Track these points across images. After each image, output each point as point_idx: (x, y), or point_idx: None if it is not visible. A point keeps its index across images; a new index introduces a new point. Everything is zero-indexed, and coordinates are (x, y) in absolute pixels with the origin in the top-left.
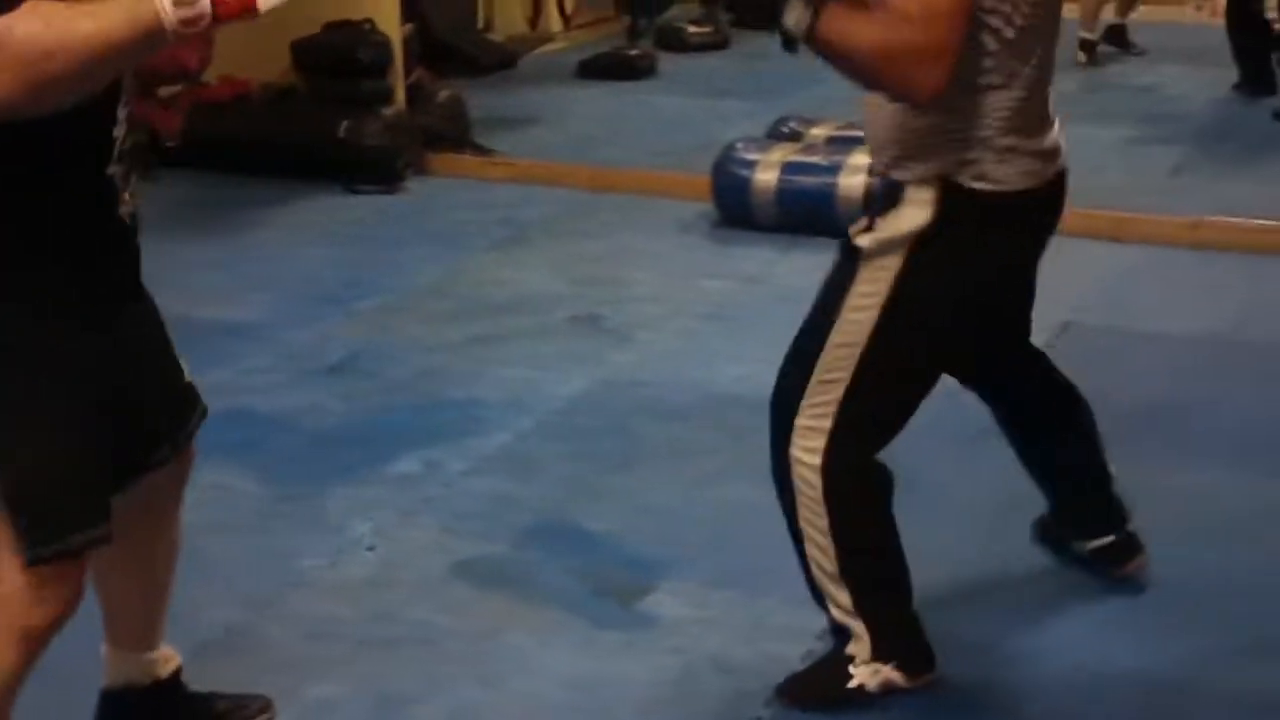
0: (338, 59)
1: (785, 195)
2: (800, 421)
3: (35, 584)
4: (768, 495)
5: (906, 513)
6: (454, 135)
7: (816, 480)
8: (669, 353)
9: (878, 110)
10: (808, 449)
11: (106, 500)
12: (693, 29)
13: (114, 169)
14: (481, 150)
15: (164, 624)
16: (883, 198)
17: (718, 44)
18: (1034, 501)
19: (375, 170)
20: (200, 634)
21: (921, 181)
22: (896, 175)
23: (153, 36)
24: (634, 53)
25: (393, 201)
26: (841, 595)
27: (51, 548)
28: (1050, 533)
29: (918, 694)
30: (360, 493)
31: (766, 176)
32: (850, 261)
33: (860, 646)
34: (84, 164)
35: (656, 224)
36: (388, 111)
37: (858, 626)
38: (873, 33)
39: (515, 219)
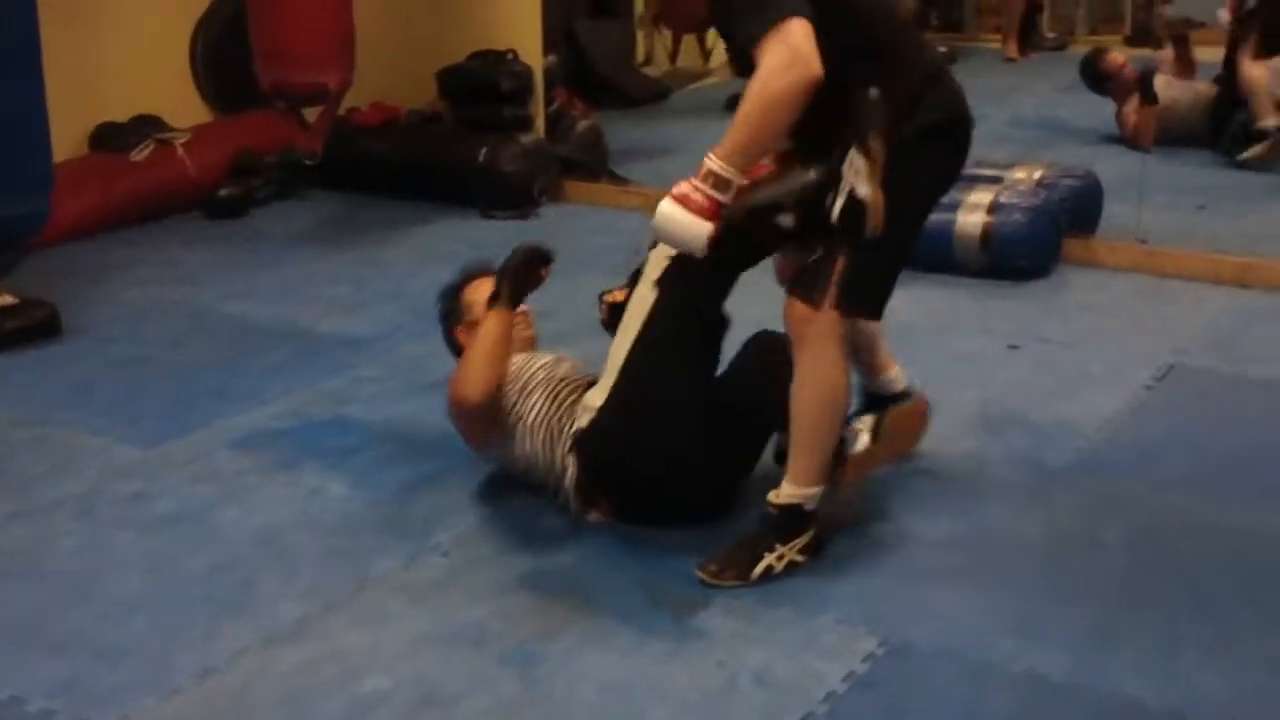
0: (480, 87)
1: None
2: None
3: None
4: None
5: None
6: (591, 164)
7: None
8: None
9: None
10: None
11: None
12: None
13: None
14: (617, 179)
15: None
16: None
17: None
18: None
19: (511, 195)
20: (272, 626)
21: None
22: None
23: None
24: None
25: (524, 226)
26: None
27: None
28: None
29: None
30: (443, 502)
31: None
32: None
33: None
34: None
35: None
36: (526, 139)
37: None
38: None
39: (640, 246)
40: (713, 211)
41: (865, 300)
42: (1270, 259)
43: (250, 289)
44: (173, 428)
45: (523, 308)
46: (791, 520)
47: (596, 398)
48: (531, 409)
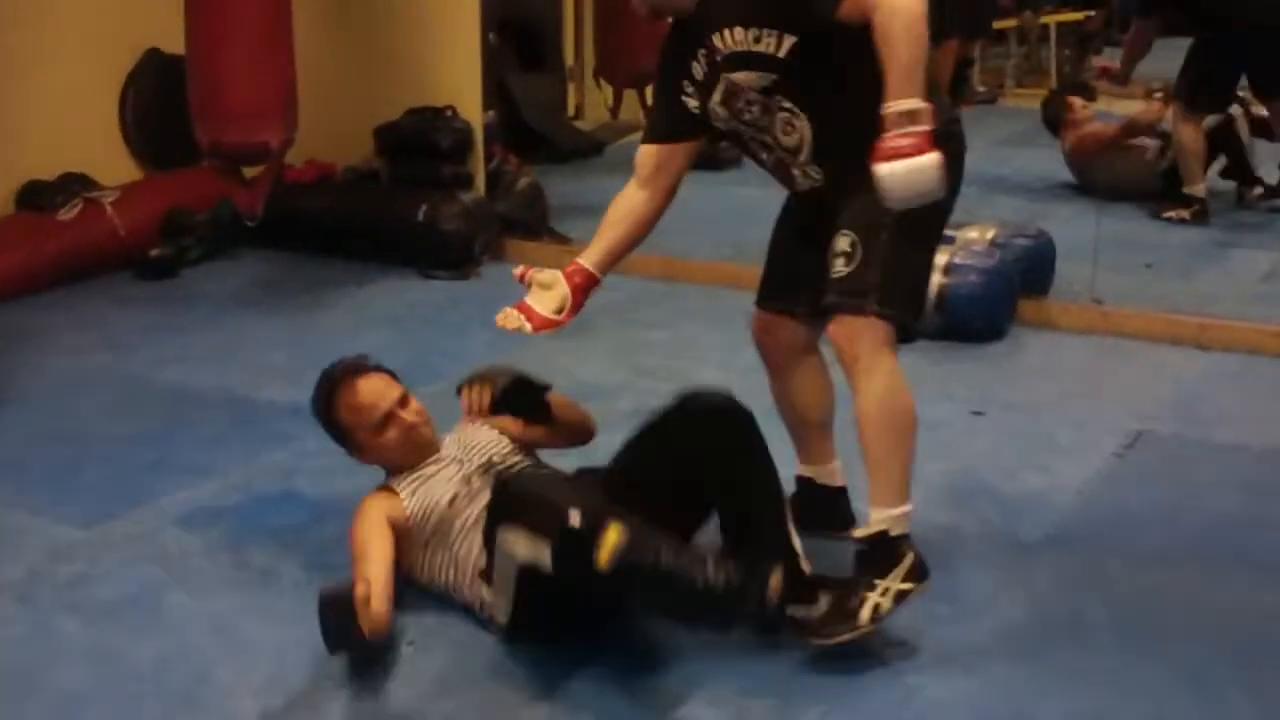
0: (418, 144)
1: None
2: None
3: None
4: None
5: None
6: (532, 222)
7: None
8: None
9: None
10: None
11: None
12: None
13: None
14: (558, 237)
15: None
16: None
17: None
18: None
19: (451, 255)
20: None
21: None
22: None
23: None
24: (721, 144)
25: (465, 287)
26: None
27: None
28: None
29: None
30: (402, 587)
31: None
32: None
33: None
34: None
35: (725, 315)
36: (466, 197)
37: None
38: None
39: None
40: (923, 144)
41: (903, 300)
42: (1225, 319)
43: (184, 353)
44: (113, 505)
45: (414, 408)
46: (881, 549)
47: (501, 599)
48: (442, 571)
